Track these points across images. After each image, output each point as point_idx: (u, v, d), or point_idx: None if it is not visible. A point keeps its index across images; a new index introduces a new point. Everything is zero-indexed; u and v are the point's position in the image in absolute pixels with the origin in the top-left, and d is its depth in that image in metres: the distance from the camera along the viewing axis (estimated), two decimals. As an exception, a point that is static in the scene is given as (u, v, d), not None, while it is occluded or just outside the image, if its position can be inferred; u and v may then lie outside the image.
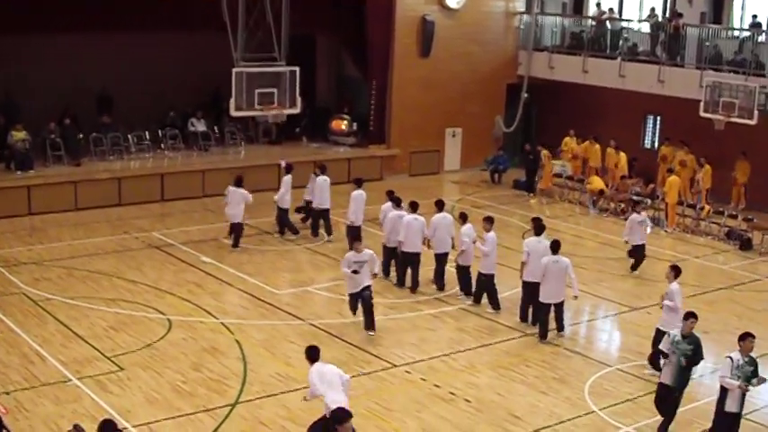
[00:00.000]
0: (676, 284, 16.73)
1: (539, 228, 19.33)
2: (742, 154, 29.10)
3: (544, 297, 18.17)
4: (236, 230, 23.54)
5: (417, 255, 20.77)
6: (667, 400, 14.36)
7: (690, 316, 14.29)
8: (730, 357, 13.47)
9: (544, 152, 31.59)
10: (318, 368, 13.04)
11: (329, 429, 11.84)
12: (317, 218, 24.54)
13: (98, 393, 15.18)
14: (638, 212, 23.24)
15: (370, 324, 18.24)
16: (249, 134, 33.13)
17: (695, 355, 14.11)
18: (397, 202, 21.60)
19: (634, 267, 23.01)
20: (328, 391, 12.78)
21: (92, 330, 17.91)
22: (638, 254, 23.04)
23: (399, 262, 21.17)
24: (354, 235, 21.49)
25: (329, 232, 24.44)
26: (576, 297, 18.52)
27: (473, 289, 20.21)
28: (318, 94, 35.65)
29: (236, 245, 23.43)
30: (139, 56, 30.39)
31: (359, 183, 23.64)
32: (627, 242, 23.17)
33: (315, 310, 19.66)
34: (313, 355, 13.22)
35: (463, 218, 20.66)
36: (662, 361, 14.52)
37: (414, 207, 20.99)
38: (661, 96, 30.75)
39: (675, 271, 16.94)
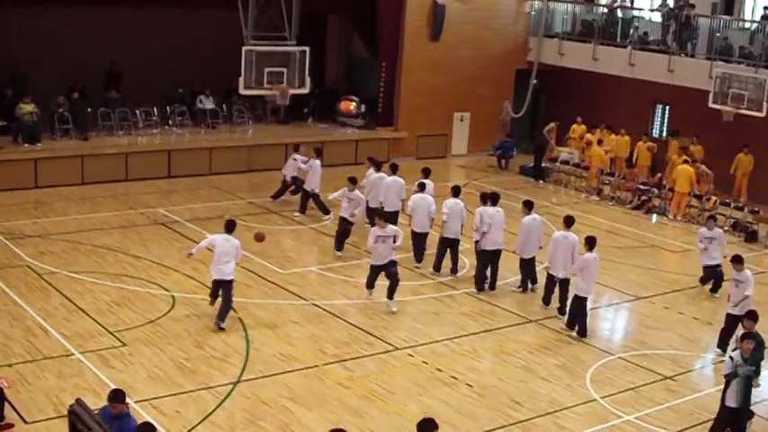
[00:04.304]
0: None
1: (494, 198, 20.21)
2: (744, 147, 28.96)
3: (554, 271, 18.92)
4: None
5: (396, 213, 21.98)
6: (734, 423, 13.81)
7: (745, 337, 13.81)
8: (731, 357, 13.66)
9: (552, 125, 32.82)
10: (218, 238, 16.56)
11: None
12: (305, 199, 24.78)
13: (100, 368, 15.20)
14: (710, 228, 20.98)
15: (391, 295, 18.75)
16: (257, 113, 33.03)
17: (757, 374, 13.84)
18: (377, 165, 23.30)
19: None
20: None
21: (95, 305, 17.93)
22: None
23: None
24: (315, 202, 24.30)
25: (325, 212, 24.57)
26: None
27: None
28: (327, 75, 35.60)
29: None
30: (149, 31, 30.35)
31: (318, 152, 24.82)
32: None
33: (318, 290, 19.66)
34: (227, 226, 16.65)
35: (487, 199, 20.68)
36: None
37: (394, 169, 22.77)
38: (670, 86, 30.66)
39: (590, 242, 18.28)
